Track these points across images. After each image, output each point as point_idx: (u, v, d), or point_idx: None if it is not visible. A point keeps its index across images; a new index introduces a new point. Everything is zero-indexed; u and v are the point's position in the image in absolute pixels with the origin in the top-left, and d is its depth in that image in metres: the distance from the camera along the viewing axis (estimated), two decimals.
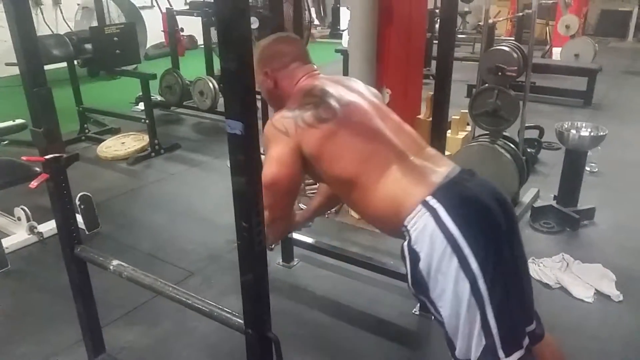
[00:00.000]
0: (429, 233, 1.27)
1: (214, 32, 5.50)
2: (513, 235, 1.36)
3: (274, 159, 1.44)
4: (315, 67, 1.66)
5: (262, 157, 1.49)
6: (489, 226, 1.29)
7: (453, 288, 1.25)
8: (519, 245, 1.39)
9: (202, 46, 5.73)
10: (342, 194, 1.53)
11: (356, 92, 1.56)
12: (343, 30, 6.62)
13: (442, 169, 1.39)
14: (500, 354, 1.25)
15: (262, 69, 1.61)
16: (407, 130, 1.52)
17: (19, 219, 3.00)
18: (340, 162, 1.42)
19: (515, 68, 3.13)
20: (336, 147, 1.42)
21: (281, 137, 1.45)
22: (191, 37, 8.95)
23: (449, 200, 1.29)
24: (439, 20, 2.22)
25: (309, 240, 2.69)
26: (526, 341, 1.31)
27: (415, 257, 1.30)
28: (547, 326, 2.23)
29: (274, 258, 2.74)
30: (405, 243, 1.33)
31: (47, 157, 1.58)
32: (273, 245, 1.74)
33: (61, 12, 7.62)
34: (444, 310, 1.29)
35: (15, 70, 1.56)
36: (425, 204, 1.30)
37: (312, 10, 7.53)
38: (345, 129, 1.43)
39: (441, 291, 1.28)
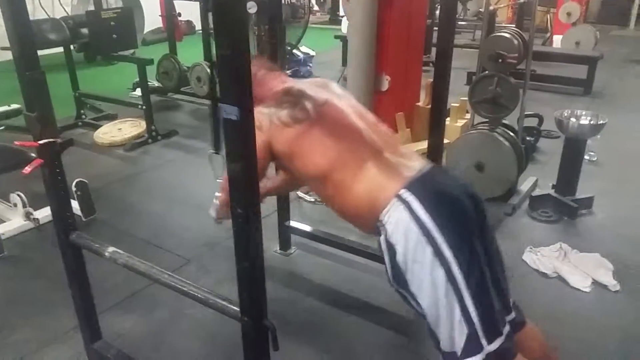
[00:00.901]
0: (404, 225, 1.30)
1: (212, 17, 5.43)
2: (484, 228, 1.39)
3: None
4: (281, 71, 1.75)
5: None
6: (460, 217, 1.32)
7: (430, 277, 1.27)
8: (492, 239, 1.42)
9: (200, 31, 5.69)
10: (316, 190, 1.57)
11: (332, 93, 1.59)
12: (342, 17, 6.57)
13: (415, 164, 1.43)
14: (484, 341, 1.26)
15: None
16: (382, 129, 1.55)
17: (15, 205, 2.98)
18: (314, 160, 1.44)
19: (516, 55, 3.10)
20: (309, 145, 1.45)
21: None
22: (189, 22, 8.87)
23: (421, 192, 1.32)
24: (439, 7, 2.20)
25: (307, 228, 2.68)
26: (506, 329, 1.33)
27: (392, 250, 1.33)
28: (543, 315, 2.24)
29: (272, 246, 2.73)
30: (382, 237, 1.36)
31: (40, 142, 1.56)
32: (222, 221, 1.75)
33: None
34: (423, 301, 1.31)
35: (11, 55, 1.53)
36: (399, 197, 1.33)
37: None
38: (319, 128, 1.45)
39: (419, 282, 1.30)
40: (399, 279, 1.34)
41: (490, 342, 1.26)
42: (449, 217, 1.29)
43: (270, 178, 1.93)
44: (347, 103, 1.57)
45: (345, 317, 2.26)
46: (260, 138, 1.41)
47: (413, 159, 1.46)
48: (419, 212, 1.28)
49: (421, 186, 1.34)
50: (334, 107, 1.51)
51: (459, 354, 1.28)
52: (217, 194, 1.68)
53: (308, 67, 6.85)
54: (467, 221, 1.32)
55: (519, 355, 1.34)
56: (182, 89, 5.51)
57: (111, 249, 1.61)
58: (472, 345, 1.26)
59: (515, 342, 1.35)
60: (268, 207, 2.63)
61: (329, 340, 2.14)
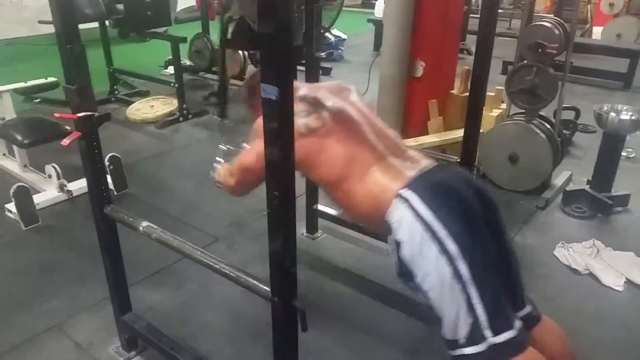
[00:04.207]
0: (407, 223, 1.33)
1: None
2: (493, 219, 1.40)
3: (256, 152, 1.53)
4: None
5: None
6: (463, 209, 1.34)
7: (436, 271, 1.30)
8: (502, 231, 1.44)
9: None
10: (328, 194, 1.62)
11: (346, 100, 1.61)
12: (376, 0, 6.47)
13: (417, 165, 1.47)
14: (487, 333, 1.28)
15: (252, 102, 1.81)
16: (389, 135, 1.59)
17: (50, 176, 3.05)
18: (326, 168, 1.50)
19: (556, 45, 3.01)
20: (322, 154, 1.50)
21: None
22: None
23: (421, 189, 1.35)
24: None
25: (334, 212, 2.67)
26: (518, 323, 1.33)
27: (398, 247, 1.37)
28: (573, 312, 2.20)
29: (299, 229, 2.73)
30: (390, 236, 1.40)
31: (79, 115, 1.58)
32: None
33: None
34: (429, 292, 1.34)
35: (48, 29, 1.55)
36: (400, 196, 1.36)
37: None
38: (332, 137, 1.49)
39: (425, 274, 1.33)
40: (405, 274, 1.39)
41: (495, 334, 1.28)
42: (449, 210, 1.32)
43: None
44: (359, 110, 1.60)
45: (371, 303, 2.25)
46: None
47: (416, 161, 1.50)
48: (420, 208, 1.32)
49: (420, 183, 1.38)
50: (347, 116, 1.55)
51: (460, 342, 1.31)
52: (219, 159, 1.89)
53: (339, 51, 6.79)
54: (469, 212, 1.34)
55: (531, 350, 1.34)
56: (213, 69, 5.52)
57: (145, 223, 1.63)
58: (475, 335, 1.28)
59: (528, 336, 1.36)
60: (296, 190, 2.64)
61: (354, 324, 2.15)
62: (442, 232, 1.28)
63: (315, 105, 1.54)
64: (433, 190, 1.36)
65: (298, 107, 1.52)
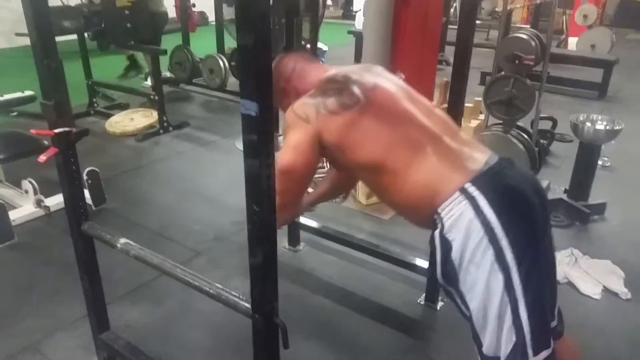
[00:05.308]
0: (466, 222, 1.21)
1: (226, 9, 5.44)
2: (547, 229, 1.31)
3: (291, 146, 1.40)
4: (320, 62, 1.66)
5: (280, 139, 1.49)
6: (529, 219, 1.24)
7: (486, 281, 1.19)
8: (551, 240, 1.35)
9: (214, 23, 5.67)
10: (368, 181, 1.48)
11: (380, 77, 1.49)
12: (356, 12, 6.53)
13: (479, 155, 1.32)
14: (530, 352, 1.20)
15: (280, 87, 1.58)
16: (438, 114, 1.44)
17: (26, 191, 2.99)
18: (366, 148, 1.36)
19: (533, 57, 3.07)
20: (361, 133, 1.36)
21: (301, 123, 1.40)
22: (202, 13, 8.88)
23: (489, 189, 1.22)
24: (460, 4, 2.17)
25: (316, 225, 2.67)
26: (552, 340, 1.26)
27: (447, 246, 1.24)
28: None
29: (280, 241, 2.72)
30: (437, 231, 1.27)
31: (56, 131, 1.56)
32: (282, 227, 1.72)
33: None
34: (472, 303, 1.24)
35: (26, 41, 1.52)
36: (464, 191, 1.23)
37: None
38: (370, 114, 1.36)
39: (472, 283, 1.22)
40: (448, 276, 1.26)
41: (536, 353, 1.20)
42: (516, 219, 1.21)
43: (318, 183, 1.90)
44: (398, 86, 1.46)
45: (353, 316, 2.25)
46: (308, 131, 1.40)
47: (476, 148, 1.35)
48: (485, 210, 1.19)
49: (489, 181, 1.24)
50: (384, 91, 1.41)
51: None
52: None
53: (321, 63, 6.81)
54: (534, 224, 1.24)
55: None
56: (194, 81, 5.51)
57: (123, 240, 1.60)
58: (518, 354, 1.20)
59: (555, 354, 1.27)
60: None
61: (336, 338, 2.13)
62: (502, 240, 1.18)
63: (346, 82, 1.43)
64: (501, 192, 1.23)
65: (327, 87, 1.44)
